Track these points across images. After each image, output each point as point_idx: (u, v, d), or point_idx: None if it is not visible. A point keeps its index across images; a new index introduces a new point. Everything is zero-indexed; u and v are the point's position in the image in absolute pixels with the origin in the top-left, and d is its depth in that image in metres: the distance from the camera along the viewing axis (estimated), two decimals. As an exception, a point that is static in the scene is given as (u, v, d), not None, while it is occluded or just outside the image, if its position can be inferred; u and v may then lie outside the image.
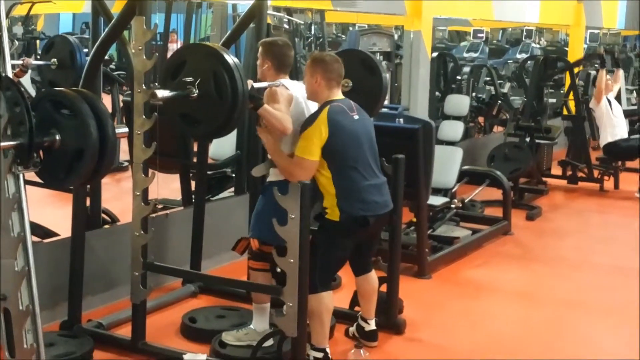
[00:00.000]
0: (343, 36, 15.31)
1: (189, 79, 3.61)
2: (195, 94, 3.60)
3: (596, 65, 9.79)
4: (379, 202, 4.04)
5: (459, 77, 10.16)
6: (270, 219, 3.67)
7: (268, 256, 4.08)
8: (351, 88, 4.30)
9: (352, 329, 4.50)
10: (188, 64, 3.69)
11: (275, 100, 3.97)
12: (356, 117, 4.00)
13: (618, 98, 9.37)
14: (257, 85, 4.03)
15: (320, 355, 3.94)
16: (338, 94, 4.03)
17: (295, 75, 8.26)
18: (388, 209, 4.12)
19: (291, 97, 4.03)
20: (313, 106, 4.09)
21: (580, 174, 9.18)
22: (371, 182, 3.99)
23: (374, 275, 4.40)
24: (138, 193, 3.93)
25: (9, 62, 3.20)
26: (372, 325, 4.41)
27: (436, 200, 6.26)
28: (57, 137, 3.13)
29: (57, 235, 5.06)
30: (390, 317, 4.61)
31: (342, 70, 4.05)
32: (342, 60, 4.11)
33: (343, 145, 3.88)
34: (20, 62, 6.37)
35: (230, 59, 3.63)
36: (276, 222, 3.58)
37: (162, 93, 3.63)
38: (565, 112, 9.94)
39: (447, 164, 6.58)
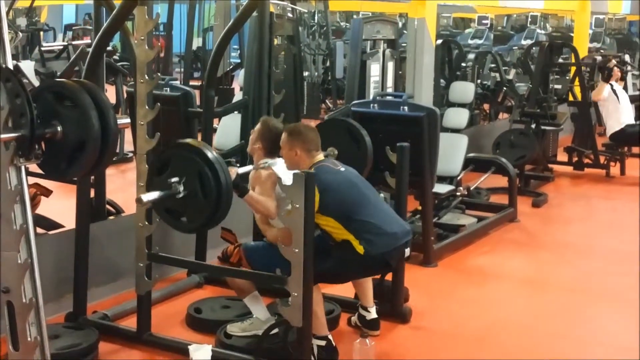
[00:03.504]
0: (347, 24, 15.26)
1: (175, 179, 3.57)
2: (182, 193, 3.58)
3: (602, 52, 9.73)
4: (398, 246, 4.01)
5: (463, 64, 10.10)
6: (273, 256, 3.74)
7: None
8: (337, 157, 4.31)
9: (354, 318, 4.48)
10: (172, 163, 3.65)
11: (260, 183, 4.09)
12: (342, 169, 4.04)
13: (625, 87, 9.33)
14: (241, 170, 4.11)
15: (322, 342, 3.94)
16: (319, 157, 4.05)
17: (300, 64, 8.27)
18: (407, 246, 4.10)
19: (275, 177, 4.07)
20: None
21: (586, 160, 9.15)
22: (386, 229, 3.94)
23: None
24: (142, 184, 3.91)
25: (9, 54, 3.18)
26: (373, 314, 4.39)
27: (441, 188, 6.23)
28: (59, 128, 3.13)
29: (61, 226, 5.06)
30: (396, 306, 4.60)
31: (318, 139, 4.06)
32: (327, 129, 4.22)
33: (338, 197, 3.88)
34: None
35: (213, 155, 3.59)
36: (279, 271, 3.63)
37: (148, 197, 3.61)
38: (570, 98, 9.90)
39: (452, 152, 6.54)
